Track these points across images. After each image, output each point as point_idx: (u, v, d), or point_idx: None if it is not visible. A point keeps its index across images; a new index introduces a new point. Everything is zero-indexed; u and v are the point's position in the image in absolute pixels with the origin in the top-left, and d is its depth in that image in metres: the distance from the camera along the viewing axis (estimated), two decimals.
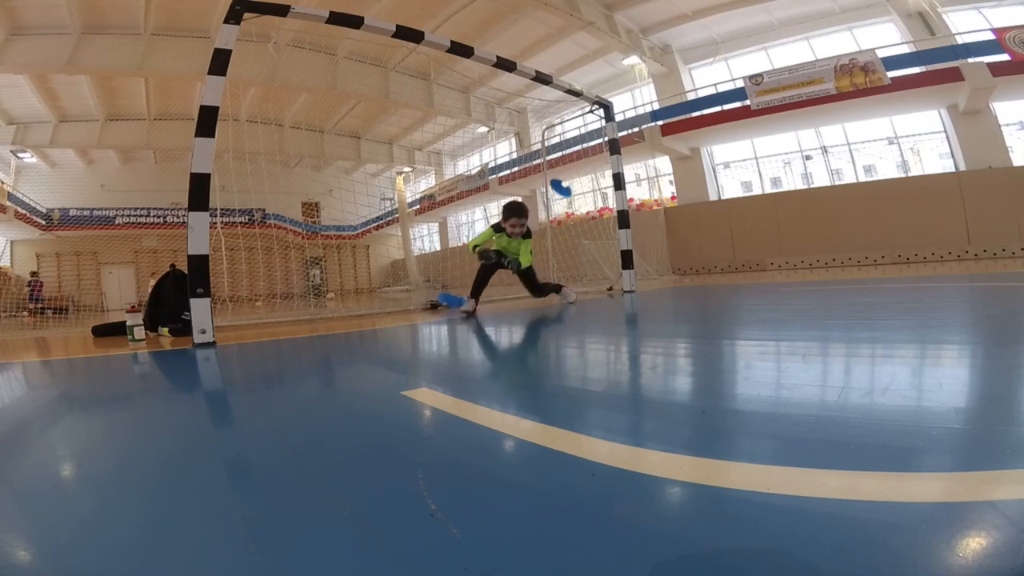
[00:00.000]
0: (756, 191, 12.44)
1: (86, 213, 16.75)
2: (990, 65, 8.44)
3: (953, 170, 9.64)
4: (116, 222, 17.06)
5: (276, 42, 10.15)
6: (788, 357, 1.48)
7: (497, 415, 1.03)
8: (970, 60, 8.60)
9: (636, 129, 11.70)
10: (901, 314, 2.26)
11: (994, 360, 1.24)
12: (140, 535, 0.60)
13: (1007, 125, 9.31)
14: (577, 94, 5.55)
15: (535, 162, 14.47)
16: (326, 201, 18.07)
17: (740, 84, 10.59)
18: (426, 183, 21.66)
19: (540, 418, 1.01)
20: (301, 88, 12.72)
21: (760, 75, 10.26)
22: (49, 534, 0.61)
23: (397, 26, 3.85)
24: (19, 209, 14.89)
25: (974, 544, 0.45)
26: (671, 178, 13.23)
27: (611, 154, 5.68)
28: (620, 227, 5.61)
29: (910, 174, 10.52)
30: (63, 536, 0.60)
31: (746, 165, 12.74)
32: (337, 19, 3.62)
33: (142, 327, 3.28)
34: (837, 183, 11.18)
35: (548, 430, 0.90)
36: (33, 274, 14.09)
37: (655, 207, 12.79)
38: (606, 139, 5.81)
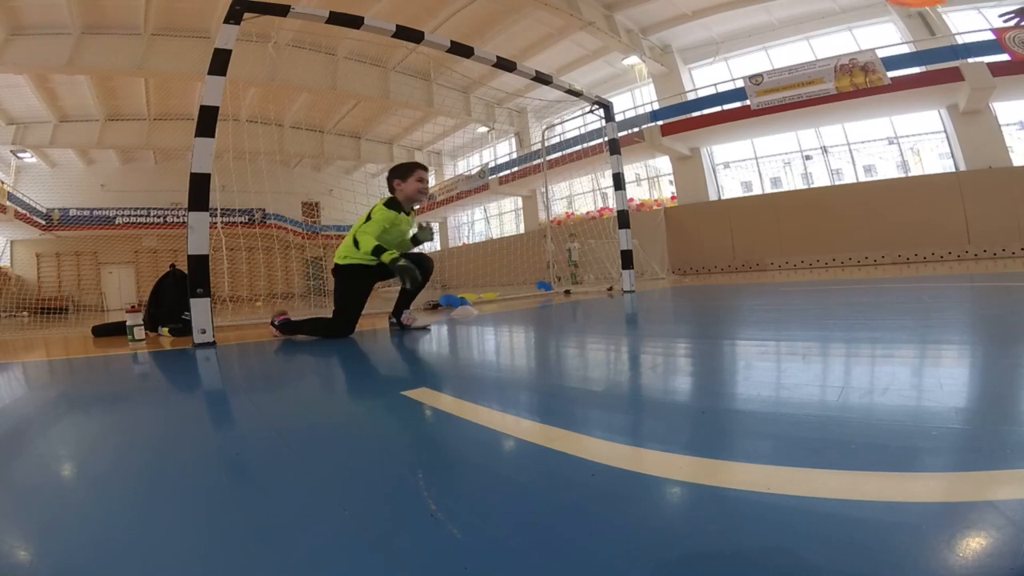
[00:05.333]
0: (756, 191, 12.44)
1: (86, 213, 16.74)
2: (990, 65, 8.44)
3: (953, 170, 9.64)
4: (116, 222, 17.06)
5: (276, 42, 10.15)
6: (788, 357, 1.48)
7: (497, 415, 1.03)
8: (970, 60, 8.60)
9: (636, 129, 11.70)
10: (901, 314, 2.26)
11: (994, 360, 1.24)
12: (140, 535, 0.60)
13: (1007, 125, 9.31)
14: (577, 94, 5.55)
15: (535, 162, 14.47)
16: (326, 201, 18.04)
17: (740, 84, 10.59)
18: None
19: (540, 418, 1.01)
20: (301, 88, 12.72)
21: (760, 75, 10.26)
22: (48, 534, 0.61)
23: (397, 26, 3.85)
24: (19, 209, 14.89)
25: (974, 544, 0.45)
26: (671, 178, 13.22)
27: (611, 154, 5.68)
28: (620, 227, 5.62)
29: (910, 174, 10.52)
30: (63, 536, 0.60)
31: (746, 165, 12.74)
32: (337, 19, 3.62)
33: (142, 327, 3.28)
34: (837, 183, 11.18)
35: (548, 430, 0.90)
36: None
37: (655, 207, 12.79)
38: (606, 139, 5.81)
